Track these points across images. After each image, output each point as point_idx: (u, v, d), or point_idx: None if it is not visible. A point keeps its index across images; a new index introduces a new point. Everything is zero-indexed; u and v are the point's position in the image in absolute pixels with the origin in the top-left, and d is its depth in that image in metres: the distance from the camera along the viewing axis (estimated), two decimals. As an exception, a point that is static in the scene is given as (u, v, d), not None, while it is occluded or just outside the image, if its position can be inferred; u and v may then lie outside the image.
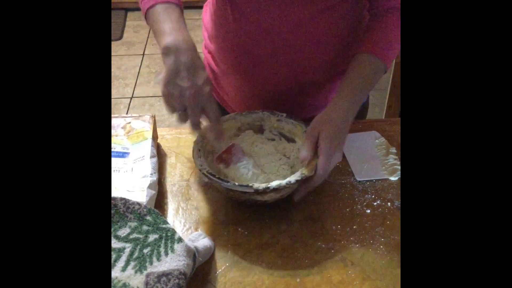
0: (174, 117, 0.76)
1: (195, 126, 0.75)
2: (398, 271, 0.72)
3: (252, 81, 0.92)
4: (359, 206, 0.82)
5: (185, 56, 0.71)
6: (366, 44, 0.84)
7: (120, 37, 3.08)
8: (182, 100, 0.72)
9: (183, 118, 0.75)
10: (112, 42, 3.02)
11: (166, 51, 0.72)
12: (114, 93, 2.61)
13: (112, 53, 2.92)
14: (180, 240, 0.64)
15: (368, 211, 0.81)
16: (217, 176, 0.75)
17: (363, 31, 0.88)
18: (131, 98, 2.57)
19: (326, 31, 0.86)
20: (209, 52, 0.99)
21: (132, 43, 3.03)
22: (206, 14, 0.97)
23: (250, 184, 0.73)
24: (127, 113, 2.46)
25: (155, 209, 0.68)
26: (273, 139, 0.88)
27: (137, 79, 2.71)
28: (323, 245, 0.75)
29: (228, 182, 0.74)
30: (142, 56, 2.92)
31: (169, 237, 0.64)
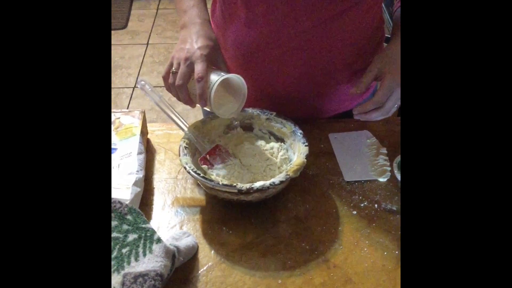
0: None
1: (180, 87, 0.76)
2: (381, 274, 0.71)
3: (261, 82, 0.91)
4: (346, 207, 0.81)
5: (195, 28, 0.79)
6: None
7: (125, 26, 3.07)
8: (178, 61, 0.76)
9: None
10: (116, 31, 3.02)
11: (183, 26, 0.81)
12: (116, 82, 2.61)
13: (116, 42, 2.92)
14: (159, 240, 0.64)
15: (355, 212, 0.80)
16: (201, 175, 0.75)
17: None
18: (133, 88, 2.57)
19: (339, 34, 0.85)
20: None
21: (137, 32, 3.03)
22: (215, 10, 0.96)
23: (234, 184, 0.73)
24: (129, 103, 2.46)
25: (136, 208, 0.68)
26: (262, 138, 0.88)
27: (140, 69, 2.71)
28: (307, 246, 0.75)
29: (212, 181, 0.74)
30: (146, 45, 2.91)
31: (148, 237, 0.64)
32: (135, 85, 2.60)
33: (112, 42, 2.92)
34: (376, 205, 0.81)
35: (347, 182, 0.85)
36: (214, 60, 0.78)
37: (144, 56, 2.82)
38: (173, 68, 0.77)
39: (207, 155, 0.81)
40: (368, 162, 0.89)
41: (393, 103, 0.81)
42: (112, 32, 3.01)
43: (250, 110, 0.88)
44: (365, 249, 0.75)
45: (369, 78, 0.82)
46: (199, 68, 0.74)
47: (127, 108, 2.40)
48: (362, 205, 0.81)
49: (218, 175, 0.79)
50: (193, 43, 0.77)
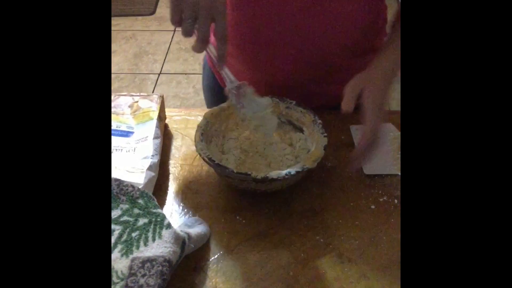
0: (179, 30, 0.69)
1: (204, 40, 0.67)
2: (397, 272, 0.69)
3: (259, 66, 0.88)
4: (364, 201, 0.79)
5: None
6: None
7: (153, 12, 3.08)
8: (195, 7, 0.65)
9: (189, 30, 0.67)
10: (144, 17, 3.03)
11: None
12: (142, 68, 2.62)
13: (144, 28, 2.93)
14: (168, 226, 0.63)
15: (373, 206, 0.78)
16: (216, 162, 0.74)
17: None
18: (159, 74, 2.58)
19: (332, 16, 0.81)
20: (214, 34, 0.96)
21: (165, 19, 3.02)
22: None
23: (249, 173, 0.71)
24: (154, 89, 2.47)
25: (148, 193, 0.67)
26: (281, 126, 0.85)
27: (166, 55, 2.71)
28: (321, 240, 0.73)
29: (226, 169, 0.73)
30: (173, 32, 2.91)
31: (158, 222, 0.63)
32: (160, 71, 2.60)
33: (140, 28, 2.94)
34: (396, 200, 0.78)
35: (367, 175, 0.83)
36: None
37: (170, 43, 2.82)
38: (187, 17, 0.66)
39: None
40: (390, 156, 0.86)
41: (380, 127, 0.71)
42: (140, 18, 3.02)
43: (269, 98, 0.86)
44: (382, 245, 0.72)
45: (352, 96, 0.72)
46: (222, 23, 0.67)
47: (152, 94, 2.41)
48: (381, 199, 0.79)
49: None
50: None
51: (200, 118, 0.86)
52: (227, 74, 0.74)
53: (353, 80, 0.74)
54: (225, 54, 0.71)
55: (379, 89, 0.72)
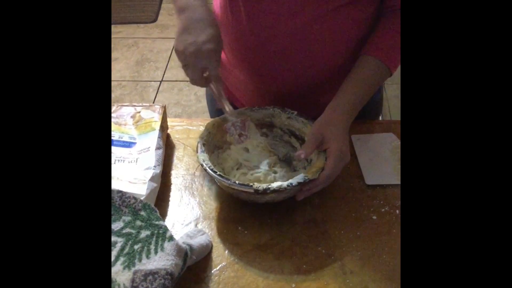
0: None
1: (193, 82, 0.76)
2: (399, 283, 0.69)
3: (262, 78, 0.89)
4: (366, 212, 0.79)
5: (196, 13, 0.74)
6: (374, 47, 0.82)
7: (154, 20, 3.09)
8: (184, 56, 0.73)
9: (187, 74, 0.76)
10: (146, 25, 3.04)
11: (181, 9, 0.76)
12: (144, 76, 2.62)
13: (145, 36, 2.94)
14: (171, 238, 0.63)
15: (375, 217, 0.78)
16: (218, 173, 0.74)
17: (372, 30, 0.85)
18: (160, 82, 2.58)
19: (338, 30, 0.82)
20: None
21: (166, 26, 3.04)
22: (216, 2, 0.94)
23: (251, 184, 0.72)
24: (155, 97, 2.48)
25: (150, 204, 0.67)
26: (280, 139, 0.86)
27: (168, 63, 2.72)
28: (323, 251, 0.73)
29: (228, 180, 0.73)
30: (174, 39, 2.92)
31: (161, 234, 0.63)
32: (162, 78, 2.61)
33: (142, 35, 2.94)
34: (397, 211, 0.78)
35: (368, 186, 0.83)
36: (220, 47, 0.76)
37: (172, 50, 2.83)
38: (182, 64, 0.75)
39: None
40: (391, 166, 0.86)
41: (340, 169, 0.76)
42: (142, 25, 3.03)
43: (270, 108, 0.86)
44: (384, 256, 0.72)
45: (313, 142, 0.76)
46: (212, 68, 0.74)
47: (153, 102, 2.42)
48: (383, 210, 0.79)
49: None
50: (198, 33, 0.73)
51: (202, 128, 0.86)
52: (228, 106, 0.81)
53: (315, 126, 0.78)
54: (222, 92, 0.79)
55: (342, 129, 0.76)
